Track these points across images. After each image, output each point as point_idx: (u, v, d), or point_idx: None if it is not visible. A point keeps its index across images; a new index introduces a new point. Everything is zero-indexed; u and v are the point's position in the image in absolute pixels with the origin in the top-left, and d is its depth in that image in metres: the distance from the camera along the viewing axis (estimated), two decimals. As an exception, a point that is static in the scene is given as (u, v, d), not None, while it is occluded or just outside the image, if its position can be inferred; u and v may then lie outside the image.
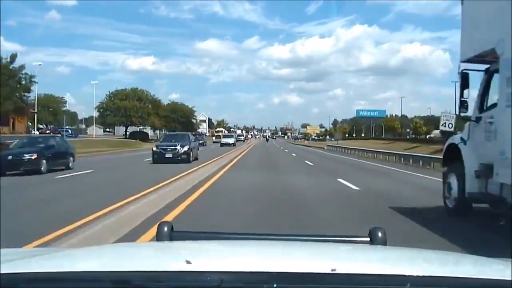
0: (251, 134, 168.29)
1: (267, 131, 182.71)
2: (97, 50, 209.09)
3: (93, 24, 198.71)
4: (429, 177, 13.86)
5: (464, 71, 6.64)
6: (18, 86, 42.23)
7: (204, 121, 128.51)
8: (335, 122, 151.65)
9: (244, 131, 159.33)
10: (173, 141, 19.93)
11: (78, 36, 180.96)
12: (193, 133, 39.12)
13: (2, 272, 0.91)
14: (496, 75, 6.10)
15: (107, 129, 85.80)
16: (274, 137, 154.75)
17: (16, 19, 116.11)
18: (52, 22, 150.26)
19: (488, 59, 6.32)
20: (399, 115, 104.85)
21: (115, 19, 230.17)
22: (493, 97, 6.30)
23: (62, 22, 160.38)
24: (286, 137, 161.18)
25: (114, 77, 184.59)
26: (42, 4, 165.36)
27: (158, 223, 1.40)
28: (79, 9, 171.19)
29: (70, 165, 15.05)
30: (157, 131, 76.13)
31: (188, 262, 0.97)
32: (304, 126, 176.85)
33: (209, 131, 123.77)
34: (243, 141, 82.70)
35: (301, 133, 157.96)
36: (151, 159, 18.94)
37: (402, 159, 23.46)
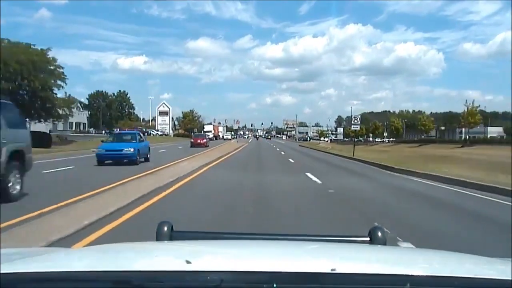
0: (235, 135, 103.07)
1: (258, 130, 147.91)
2: (88, 50, 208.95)
3: (84, 23, 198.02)
4: None
5: None
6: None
7: (166, 113, 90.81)
8: (339, 120, 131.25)
9: (219, 127, 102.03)
10: None
11: (69, 35, 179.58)
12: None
13: (2, 272, 0.91)
14: None
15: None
16: (269, 137, 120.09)
17: (5, 18, 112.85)
18: (42, 21, 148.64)
19: None
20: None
21: (107, 19, 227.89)
22: None
23: (53, 21, 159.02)
24: (284, 137, 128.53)
25: (106, 77, 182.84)
26: (31, 3, 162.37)
27: (158, 223, 1.37)
28: (70, 8, 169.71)
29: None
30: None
31: (188, 262, 0.97)
32: (301, 125, 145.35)
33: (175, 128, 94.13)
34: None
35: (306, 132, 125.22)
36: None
37: None
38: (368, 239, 1.35)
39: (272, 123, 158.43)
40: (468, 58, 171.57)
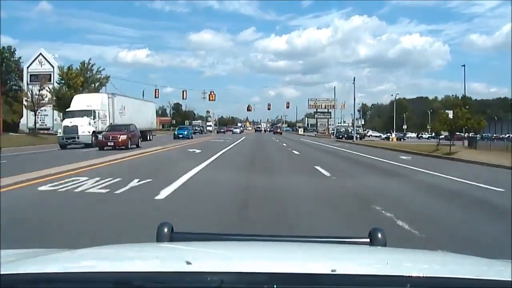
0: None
1: (261, 123, 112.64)
2: (91, 44, 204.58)
3: (87, 17, 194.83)
4: None
5: None
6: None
7: (48, 78, 42.47)
8: (363, 108, 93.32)
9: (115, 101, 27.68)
10: None
11: (71, 29, 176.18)
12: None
13: (2, 272, 0.92)
14: None
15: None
16: (279, 130, 79.96)
17: (6, 12, 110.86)
18: (44, 15, 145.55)
19: None
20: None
21: (109, 13, 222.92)
22: None
23: (54, 15, 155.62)
24: (301, 130, 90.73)
25: (109, 71, 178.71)
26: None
27: (158, 225, 1.40)
28: (72, 2, 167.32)
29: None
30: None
31: (188, 263, 0.97)
32: (310, 116, 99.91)
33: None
34: None
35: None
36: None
37: None
38: (368, 240, 1.34)
39: (283, 111, 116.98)
40: (473, 50, 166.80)
